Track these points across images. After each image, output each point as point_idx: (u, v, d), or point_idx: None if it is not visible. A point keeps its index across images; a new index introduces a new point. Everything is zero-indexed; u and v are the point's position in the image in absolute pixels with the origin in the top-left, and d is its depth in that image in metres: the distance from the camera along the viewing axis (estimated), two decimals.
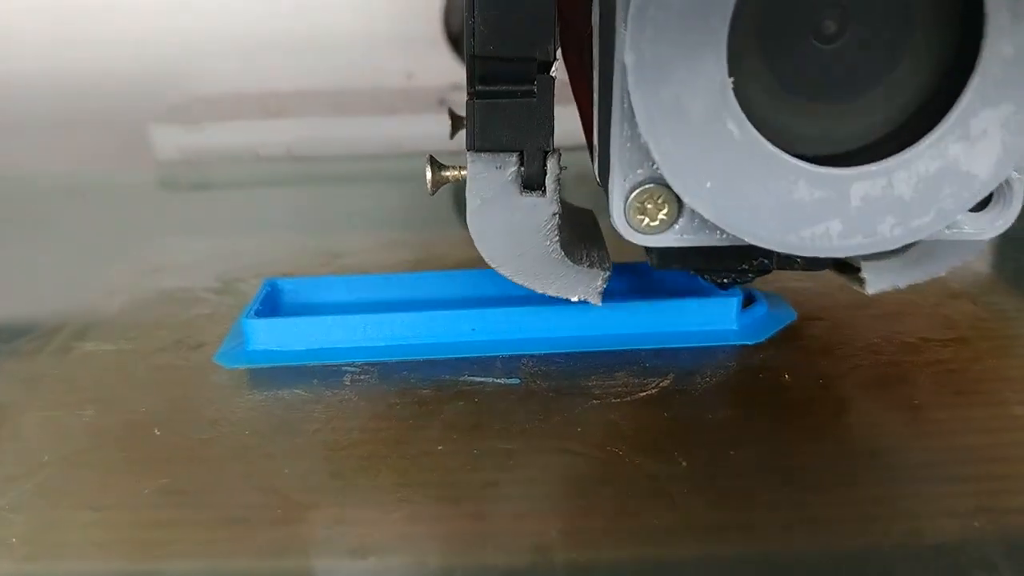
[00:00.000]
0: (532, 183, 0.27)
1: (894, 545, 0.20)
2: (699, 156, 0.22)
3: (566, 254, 0.28)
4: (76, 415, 0.27)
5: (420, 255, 0.40)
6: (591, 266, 0.28)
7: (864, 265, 0.28)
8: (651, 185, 0.24)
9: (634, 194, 0.24)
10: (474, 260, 0.28)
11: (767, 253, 0.26)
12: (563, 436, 0.25)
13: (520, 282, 0.28)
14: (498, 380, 0.28)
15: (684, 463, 0.24)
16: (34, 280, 0.41)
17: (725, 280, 0.29)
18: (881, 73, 0.23)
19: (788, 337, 0.30)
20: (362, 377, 0.29)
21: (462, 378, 0.28)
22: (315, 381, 0.29)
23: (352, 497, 0.23)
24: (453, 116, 0.34)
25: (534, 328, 0.30)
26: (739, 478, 0.23)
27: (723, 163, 0.22)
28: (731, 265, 0.28)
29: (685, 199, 0.23)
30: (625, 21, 0.21)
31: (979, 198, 0.23)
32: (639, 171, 0.24)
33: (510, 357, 0.30)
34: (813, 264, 0.25)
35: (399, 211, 0.50)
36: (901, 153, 0.23)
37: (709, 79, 0.22)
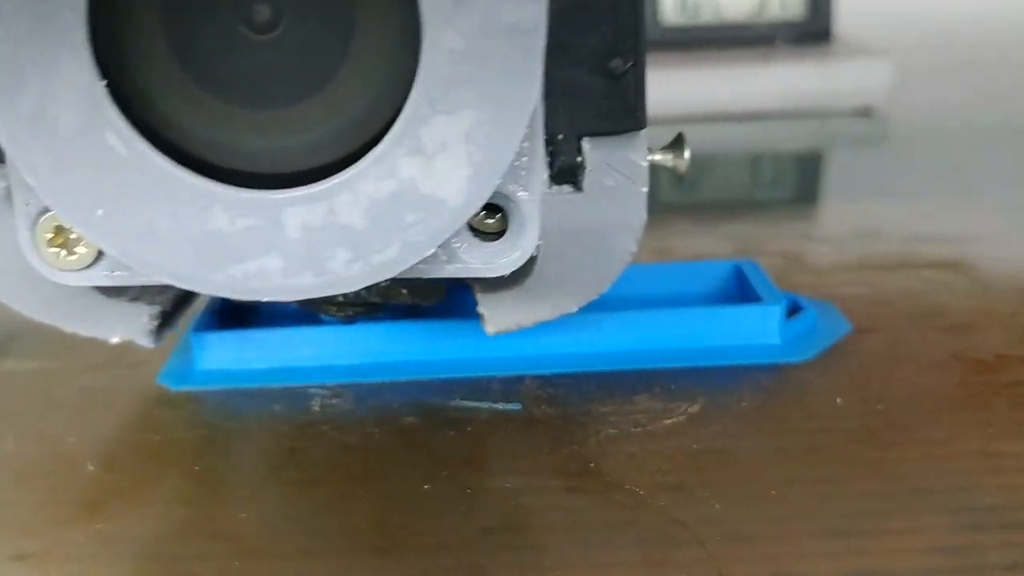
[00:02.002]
0: None
1: None
2: (80, 178, 0.21)
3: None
4: None
5: None
6: (135, 299, 0.27)
7: (479, 298, 0.27)
8: None
9: (42, 221, 0.23)
10: None
11: (403, 282, 0.25)
12: (573, 473, 0.25)
13: (43, 320, 0.26)
14: (496, 405, 0.28)
15: (717, 505, 0.23)
16: None
17: (351, 313, 0.29)
18: (324, 73, 0.22)
19: (841, 353, 0.30)
20: (333, 401, 0.28)
21: (453, 403, 0.28)
22: (277, 407, 0.28)
23: (321, 545, 0.23)
24: None
25: (538, 343, 0.30)
26: (782, 522, 0.23)
27: (112, 186, 0.21)
28: (353, 298, 0.27)
29: (77, 230, 0.22)
30: None
31: (454, 227, 0.22)
32: None
33: (510, 378, 0.29)
34: (423, 293, 0.24)
35: None
36: (341, 173, 0.22)
37: (72, 84, 0.20)
